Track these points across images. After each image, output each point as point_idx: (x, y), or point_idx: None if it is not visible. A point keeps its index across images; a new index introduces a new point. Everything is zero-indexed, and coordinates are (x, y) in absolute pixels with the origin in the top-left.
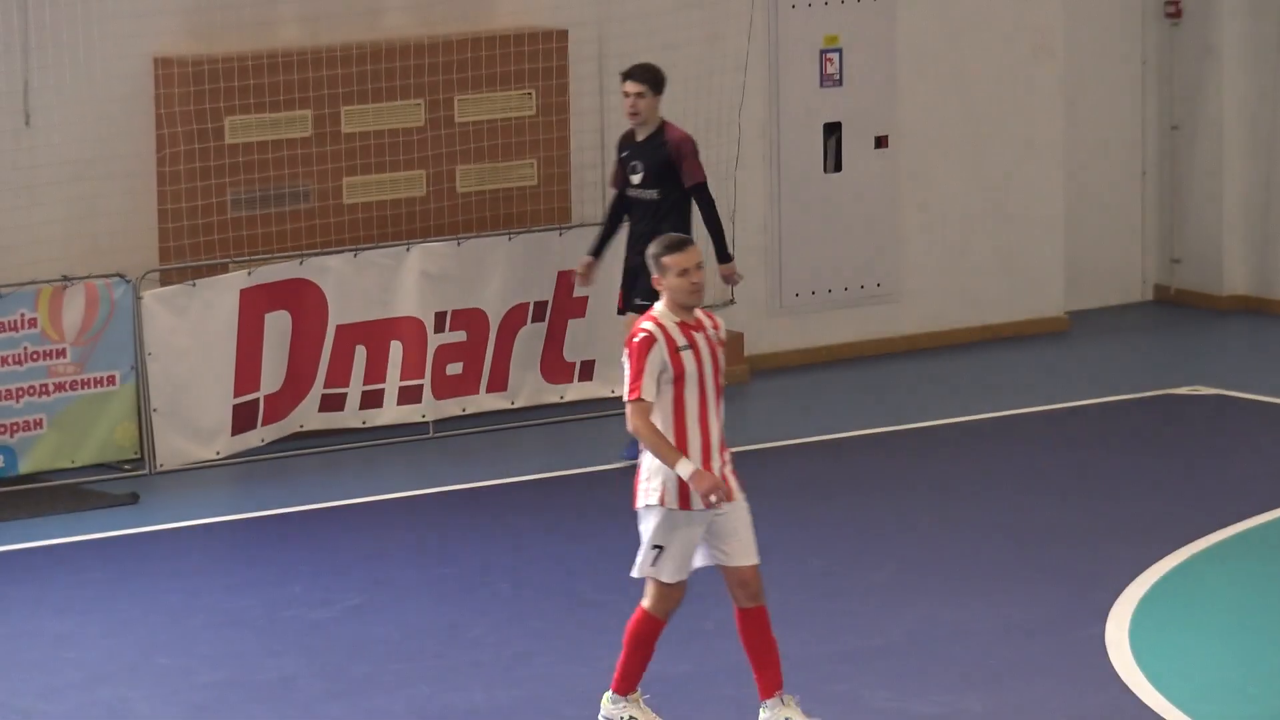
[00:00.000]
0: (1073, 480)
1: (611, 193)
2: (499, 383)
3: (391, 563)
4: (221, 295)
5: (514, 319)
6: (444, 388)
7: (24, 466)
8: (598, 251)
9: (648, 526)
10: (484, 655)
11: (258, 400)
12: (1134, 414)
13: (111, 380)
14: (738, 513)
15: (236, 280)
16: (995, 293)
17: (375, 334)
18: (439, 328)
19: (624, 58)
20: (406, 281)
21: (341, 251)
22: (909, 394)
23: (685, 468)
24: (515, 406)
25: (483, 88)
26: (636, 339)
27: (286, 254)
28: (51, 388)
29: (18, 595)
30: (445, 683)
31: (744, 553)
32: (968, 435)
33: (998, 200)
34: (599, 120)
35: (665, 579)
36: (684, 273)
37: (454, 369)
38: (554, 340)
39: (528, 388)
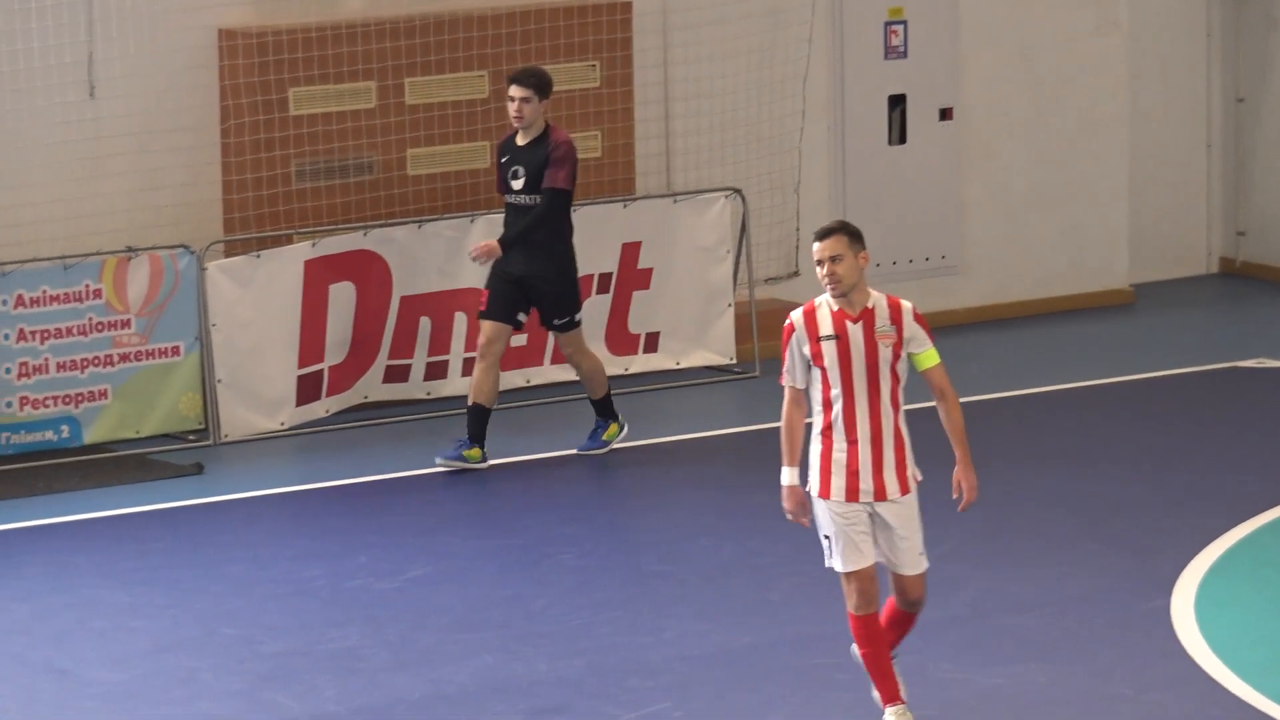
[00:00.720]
0: (1138, 453)
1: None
2: (563, 355)
3: (456, 534)
4: (286, 266)
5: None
6: (508, 359)
7: (89, 437)
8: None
9: (816, 518)
10: (548, 626)
11: (322, 371)
12: (1199, 387)
13: (176, 351)
14: (903, 515)
15: (301, 251)
16: (1060, 265)
17: (439, 305)
18: None
19: (687, 29)
20: (468, 252)
21: (405, 223)
22: (972, 366)
23: (783, 475)
24: (578, 378)
25: (546, 59)
26: (784, 325)
27: (350, 225)
28: (116, 358)
29: (85, 565)
30: (509, 653)
31: (908, 561)
32: (1032, 407)
33: (1062, 173)
34: (663, 92)
35: (838, 568)
36: (819, 263)
37: (518, 340)
38: (618, 312)
39: None
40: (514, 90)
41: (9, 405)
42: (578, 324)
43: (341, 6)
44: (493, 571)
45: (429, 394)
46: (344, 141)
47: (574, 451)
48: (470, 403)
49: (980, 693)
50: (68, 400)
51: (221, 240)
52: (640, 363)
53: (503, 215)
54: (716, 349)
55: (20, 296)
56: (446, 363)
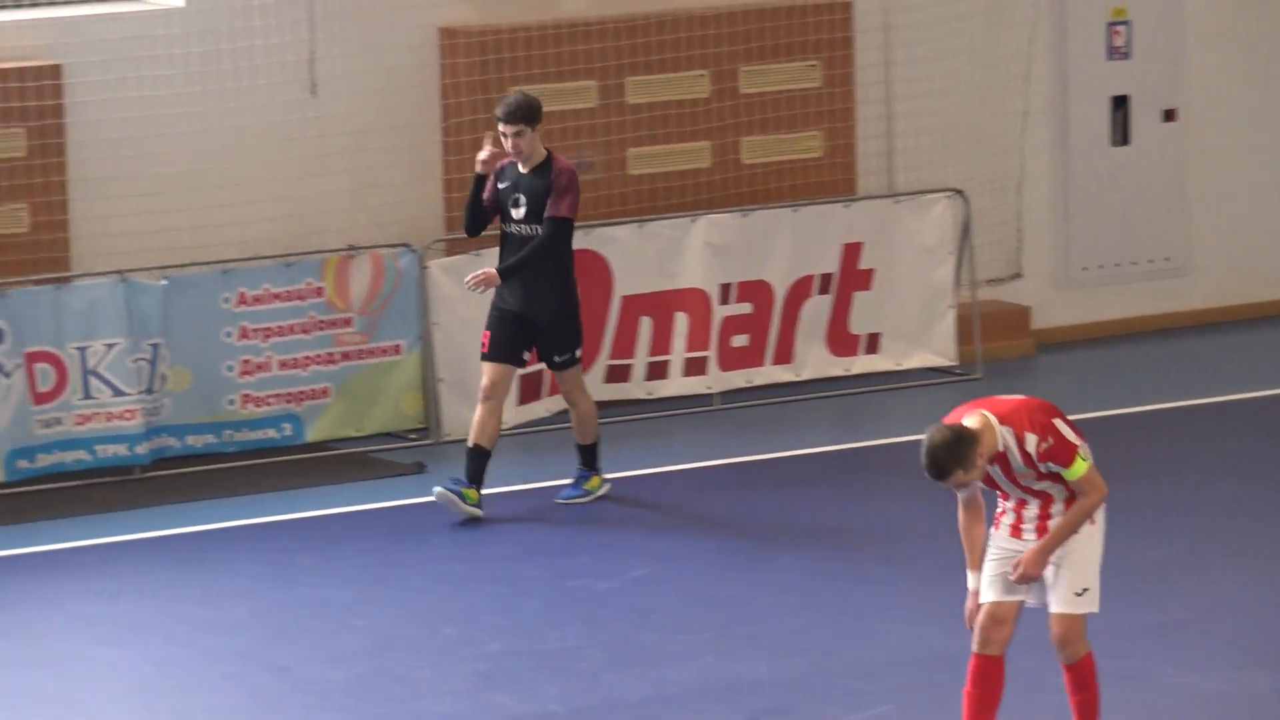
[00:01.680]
0: None
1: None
2: (784, 355)
3: (676, 534)
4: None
5: (799, 291)
6: (729, 359)
7: (311, 435)
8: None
9: None
10: (768, 627)
11: (543, 371)
12: None
13: (397, 349)
14: (1066, 549)
15: None
16: None
17: (660, 305)
18: (724, 299)
19: (909, 29)
20: (691, 253)
21: (627, 222)
22: (1198, 369)
23: (969, 579)
24: (800, 379)
25: (767, 59)
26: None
27: None
28: (338, 356)
29: (307, 563)
30: (729, 654)
31: (1055, 597)
32: (1258, 411)
33: None
34: (884, 91)
35: (980, 596)
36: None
37: (739, 340)
38: (839, 312)
39: (813, 360)
40: (504, 128)
41: (231, 403)
42: (578, 360)
43: (563, 5)
44: (713, 572)
45: (649, 394)
46: (565, 141)
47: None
48: (470, 444)
49: (1204, 698)
50: (289, 398)
51: (443, 238)
52: (861, 364)
53: (498, 246)
54: (938, 350)
55: (242, 294)
56: (667, 363)
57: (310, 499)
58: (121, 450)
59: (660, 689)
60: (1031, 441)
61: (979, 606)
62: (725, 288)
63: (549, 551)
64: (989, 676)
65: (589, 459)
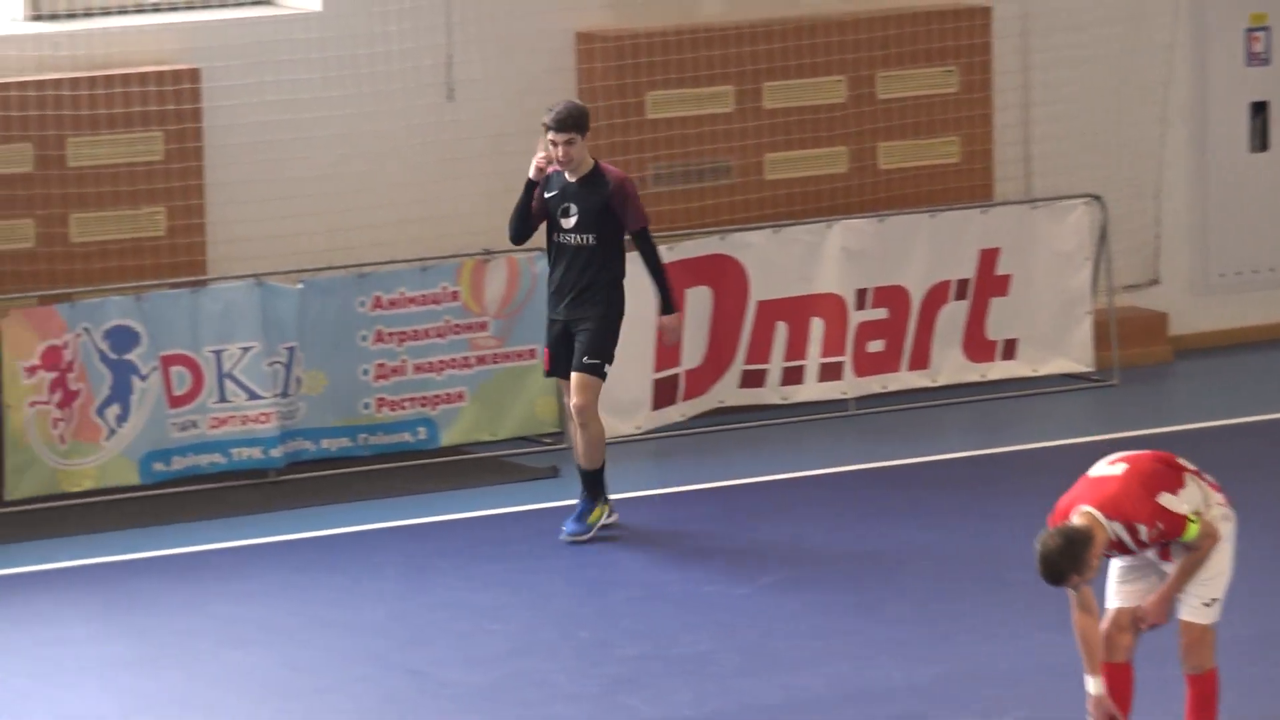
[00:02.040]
0: None
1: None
2: (921, 360)
3: (811, 540)
4: (643, 270)
5: (936, 296)
6: (865, 365)
7: (445, 439)
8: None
9: None
10: (903, 634)
11: (678, 375)
12: None
13: (532, 354)
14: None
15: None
16: None
17: (796, 310)
18: (860, 304)
19: (1047, 34)
20: (827, 258)
21: (762, 228)
22: None
23: (1088, 684)
24: (936, 384)
25: (905, 64)
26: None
27: (707, 230)
28: (473, 360)
29: (442, 566)
30: (863, 660)
31: (1182, 608)
32: None
33: None
34: (1022, 97)
35: (1106, 602)
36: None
37: (875, 346)
38: (976, 318)
39: (949, 366)
40: (555, 136)
41: (366, 407)
42: (605, 375)
43: (700, 10)
44: (847, 578)
45: (784, 399)
46: (701, 145)
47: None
48: (588, 466)
49: None
50: (425, 402)
51: None
52: (998, 370)
53: (547, 254)
54: (1075, 356)
55: (378, 298)
56: (802, 368)
57: (445, 503)
58: (256, 454)
59: (792, 695)
60: (1142, 530)
61: (1104, 711)
62: (861, 293)
63: (683, 556)
64: (1118, 684)
65: (593, 486)
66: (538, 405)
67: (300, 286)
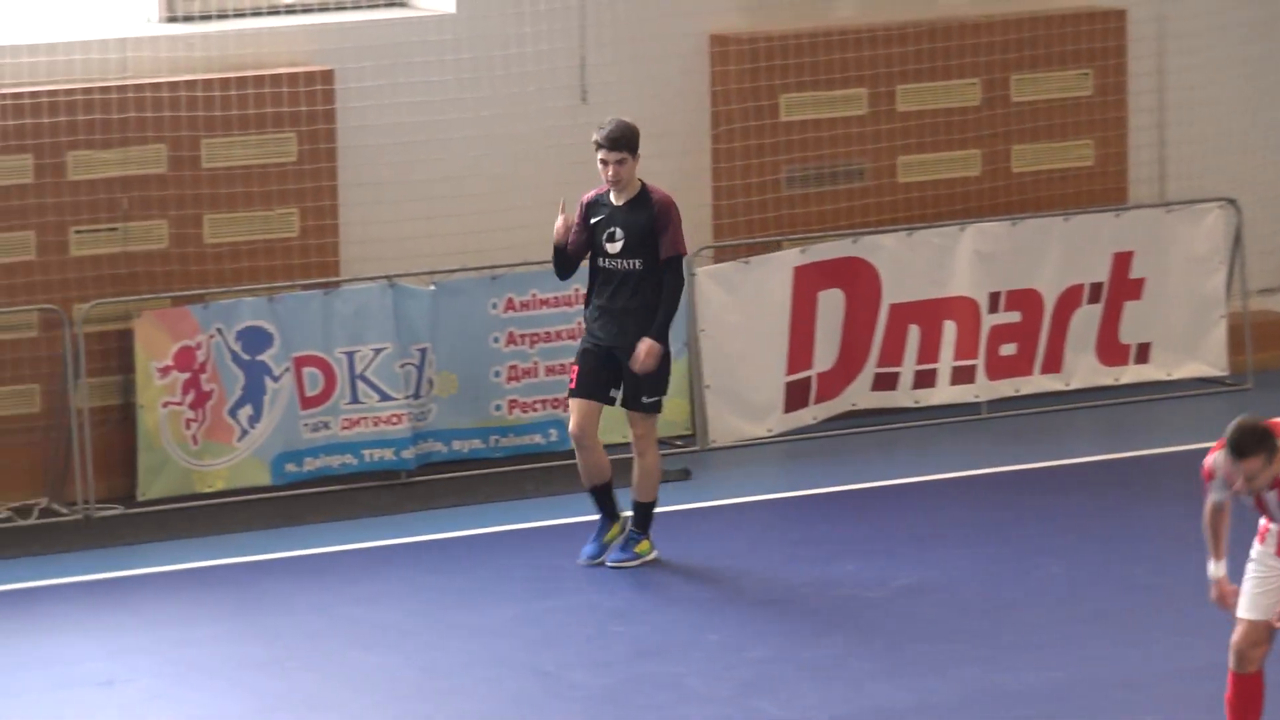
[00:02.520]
0: None
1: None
2: (1053, 364)
3: (943, 543)
4: (775, 273)
5: (1069, 300)
6: (998, 368)
7: None
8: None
9: None
10: (1036, 637)
11: (810, 378)
12: None
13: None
14: None
15: (790, 258)
16: None
17: (928, 313)
18: (993, 308)
19: (1181, 37)
20: (960, 261)
21: (895, 230)
22: None
23: (1210, 568)
24: (1069, 388)
25: (1039, 67)
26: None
27: (840, 232)
28: None
29: (571, 569)
30: (996, 664)
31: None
32: None
33: None
34: (1156, 100)
35: (1236, 612)
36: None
37: (1007, 349)
38: (1109, 322)
39: (1082, 369)
40: (606, 155)
41: (498, 408)
42: (661, 408)
43: (834, 13)
44: (979, 581)
45: (917, 402)
46: (834, 148)
47: (605, 562)
48: (588, 487)
49: None
50: (556, 404)
51: (710, 246)
52: (1131, 373)
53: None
54: (1209, 360)
55: (510, 300)
56: (935, 371)
57: (575, 505)
58: (388, 455)
59: (924, 698)
60: None
61: (1229, 589)
62: (994, 296)
63: (815, 559)
64: (1250, 693)
65: (643, 520)
66: (669, 408)
67: (432, 288)
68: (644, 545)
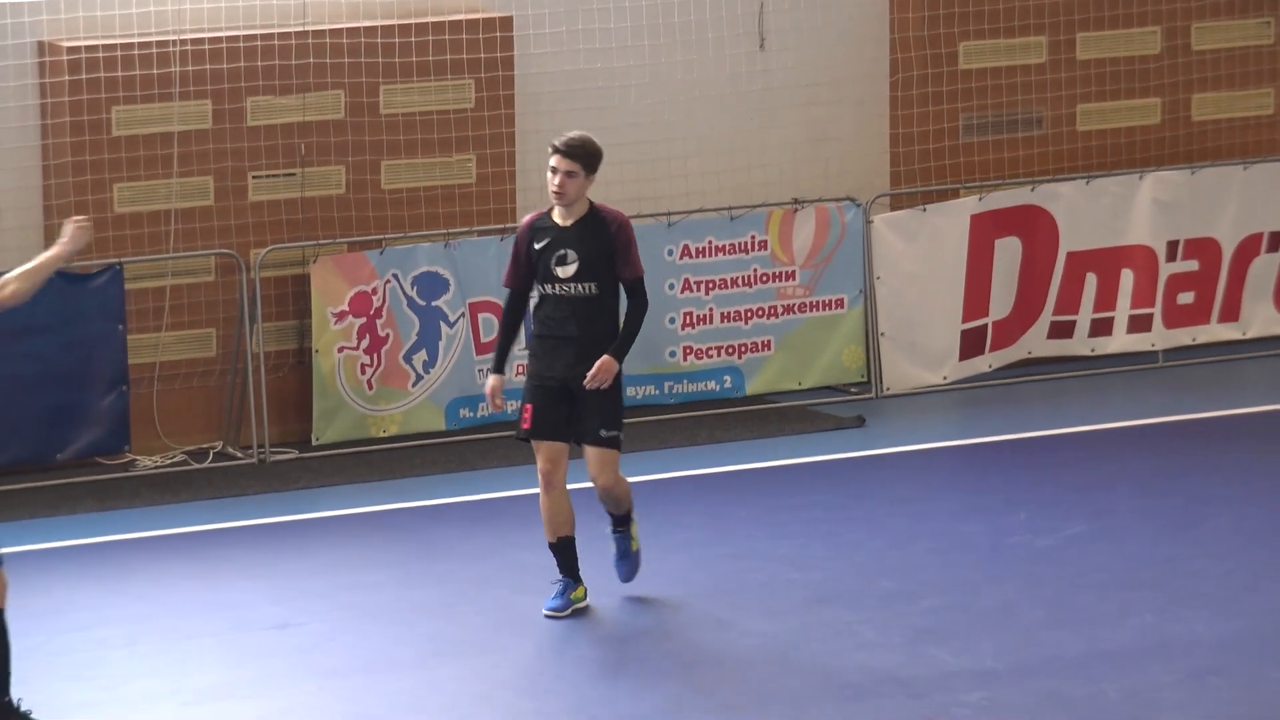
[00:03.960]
0: None
1: (506, 292)
2: (1230, 313)
3: (1116, 492)
4: (951, 220)
5: (1247, 249)
6: (1174, 317)
7: (751, 388)
8: (502, 367)
9: None
10: (1206, 587)
11: (986, 326)
12: None
13: (840, 304)
14: None
15: (967, 205)
16: None
17: (1106, 262)
18: (1170, 256)
19: None
20: (1138, 209)
21: (1073, 179)
22: None
23: None
24: (1246, 337)
25: (1220, 15)
26: None
27: (1018, 180)
28: (780, 310)
29: (744, 516)
30: (1167, 613)
31: None
32: None
33: None
34: None
35: None
36: None
37: (1185, 298)
38: None
39: (1260, 319)
40: (558, 161)
41: (673, 355)
42: (621, 442)
43: None
44: (1152, 531)
45: (1093, 351)
46: (1013, 96)
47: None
48: (551, 540)
49: None
50: (731, 351)
51: (888, 193)
52: None
53: (537, 307)
54: None
55: (686, 247)
56: (1111, 320)
57: (749, 451)
58: None
59: (1096, 646)
60: None
61: None
62: (1172, 245)
63: (988, 508)
64: None
65: (625, 519)
66: (845, 354)
67: None
68: (580, 591)
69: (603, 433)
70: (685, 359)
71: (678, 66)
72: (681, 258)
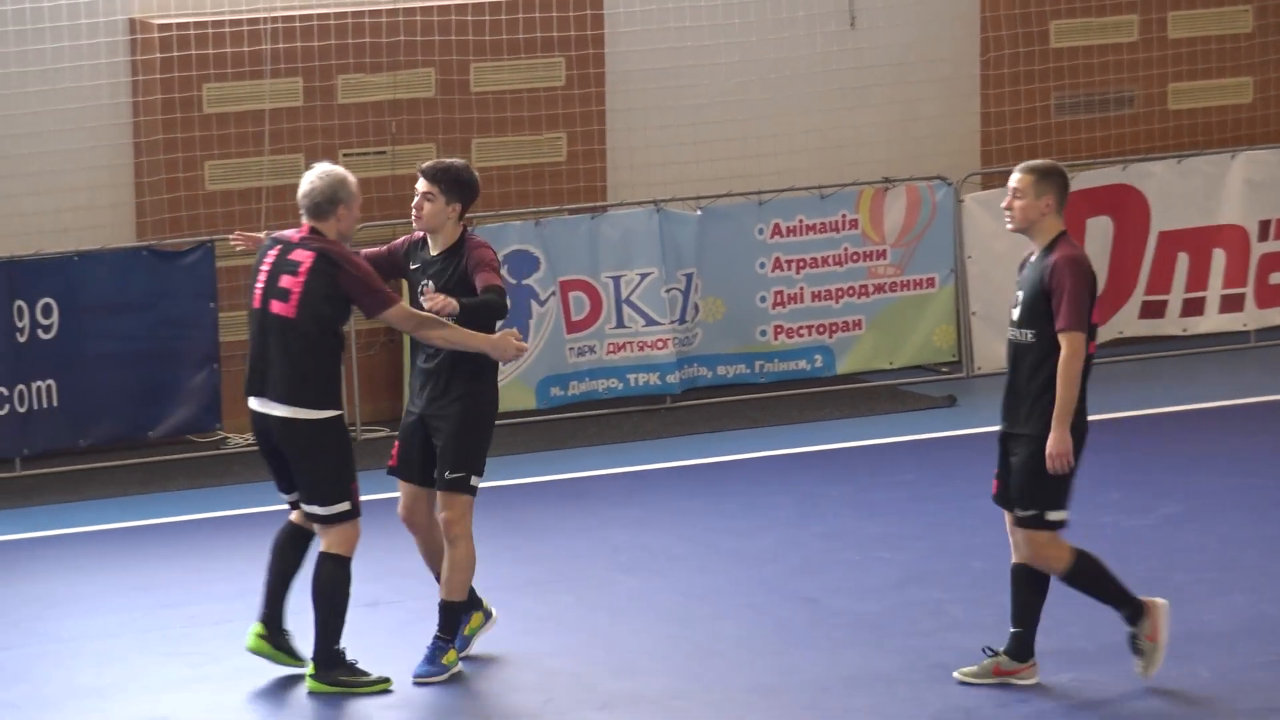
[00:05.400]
0: None
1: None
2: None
3: (1207, 472)
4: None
5: None
6: (1267, 297)
7: (841, 367)
8: None
9: None
10: None
11: None
12: None
13: (930, 283)
14: None
15: None
16: None
17: (1197, 241)
18: (1263, 236)
19: None
20: (1230, 189)
21: (1165, 158)
22: None
23: None
24: None
25: None
26: None
27: (1109, 159)
28: (871, 289)
29: (834, 495)
30: (1261, 593)
31: None
32: None
33: None
34: None
35: None
36: None
37: (1277, 278)
38: None
39: None
40: (419, 183)
41: (763, 334)
42: (474, 489)
43: None
44: (1245, 511)
45: (1184, 331)
46: (1104, 75)
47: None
48: (434, 571)
49: None
50: (821, 330)
51: (979, 172)
52: None
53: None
54: None
55: (777, 225)
56: (1203, 299)
57: (840, 431)
58: (653, 379)
59: (1191, 627)
60: None
61: None
62: (1264, 224)
63: (1079, 488)
64: None
65: (450, 622)
66: (936, 334)
67: (699, 213)
68: (451, 655)
69: (447, 474)
70: (776, 338)
71: (768, 45)
72: (772, 236)
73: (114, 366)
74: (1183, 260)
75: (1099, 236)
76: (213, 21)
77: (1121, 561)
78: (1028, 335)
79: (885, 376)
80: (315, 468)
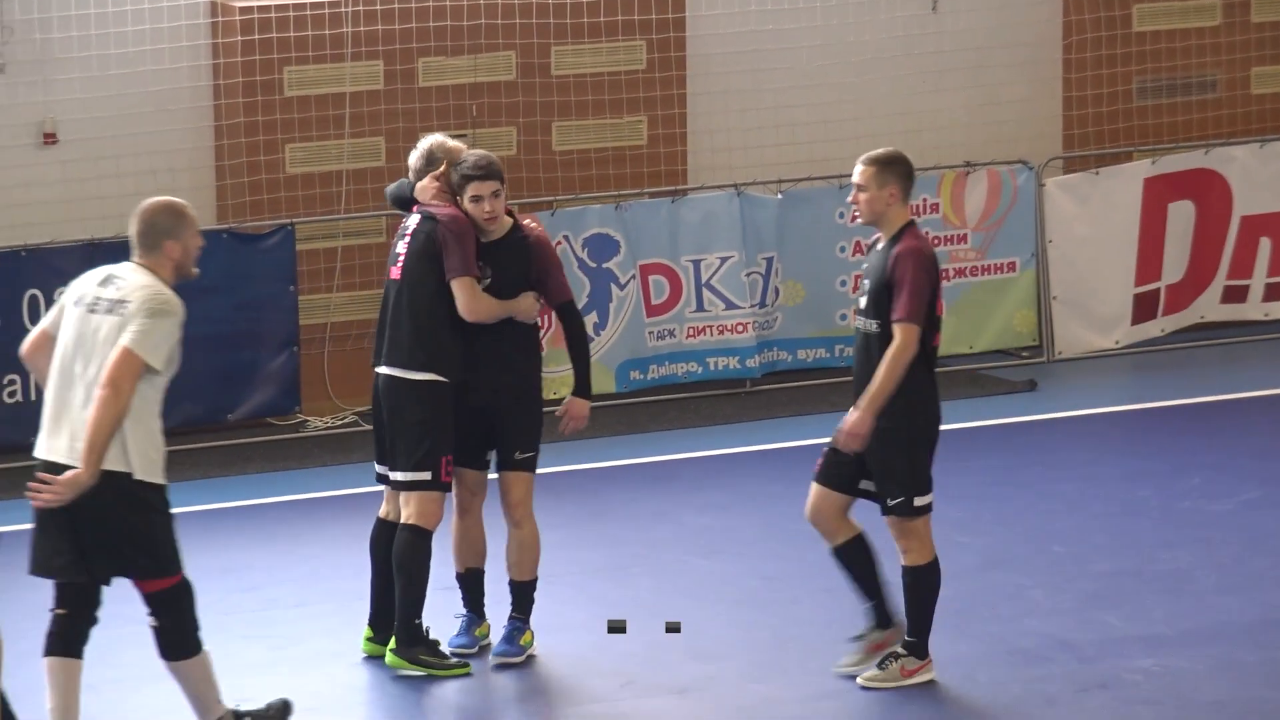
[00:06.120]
0: None
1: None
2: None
3: None
4: (1125, 184)
5: None
6: None
7: None
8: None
9: None
10: None
11: (1159, 290)
12: None
13: (1012, 267)
14: None
15: (1140, 169)
16: None
17: None
18: None
19: None
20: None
21: (1248, 142)
22: None
23: None
24: None
25: None
26: None
27: (1191, 143)
28: (952, 273)
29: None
30: None
31: None
32: None
33: None
34: None
35: None
36: None
37: None
38: None
39: None
40: (479, 187)
41: (843, 318)
42: (536, 467)
43: None
44: None
45: (1266, 315)
46: (1187, 59)
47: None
48: (461, 569)
49: None
50: None
51: (1060, 156)
52: None
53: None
54: None
55: None
56: None
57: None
58: (733, 363)
59: (1270, 613)
60: None
61: None
62: None
63: (1160, 472)
64: None
65: (526, 604)
66: (1016, 318)
67: (779, 197)
68: (529, 636)
69: (518, 455)
70: (856, 322)
71: (849, 28)
72: (852, 220)
73: (193, 349)
74: (1265, 245)
75: (1181, 220)
76: (294, 4)
77: (1203, 547)
78: (873, 325)
79: (965, 361)
80: (404, 429)
